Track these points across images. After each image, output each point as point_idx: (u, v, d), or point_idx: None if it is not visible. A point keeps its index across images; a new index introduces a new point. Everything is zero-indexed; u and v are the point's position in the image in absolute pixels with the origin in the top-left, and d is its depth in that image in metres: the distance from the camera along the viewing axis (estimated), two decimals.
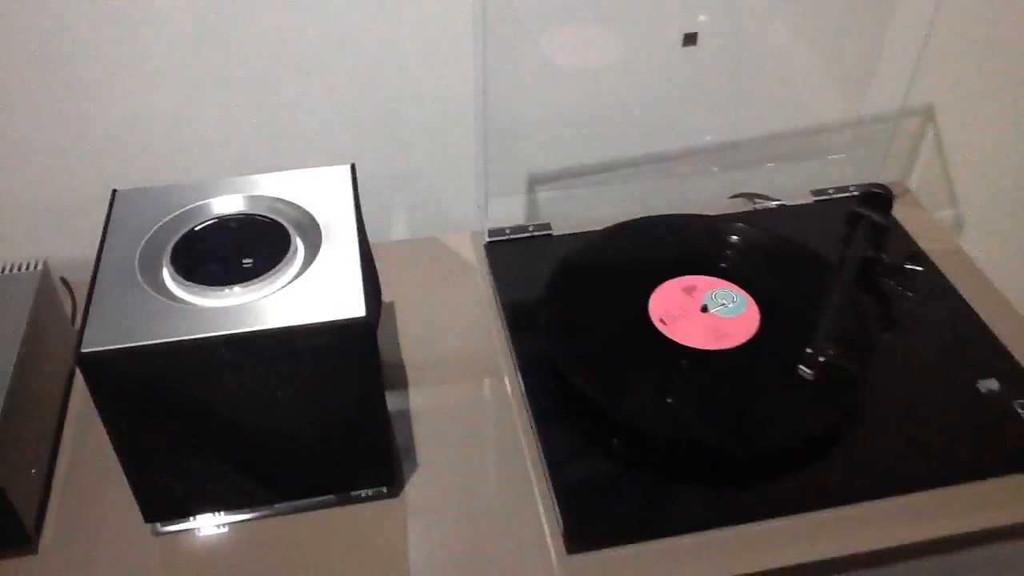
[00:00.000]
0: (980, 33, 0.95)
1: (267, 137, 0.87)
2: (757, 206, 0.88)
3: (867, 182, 0.85)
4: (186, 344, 0.54)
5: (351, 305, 0.56)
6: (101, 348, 0.53)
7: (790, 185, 0.91)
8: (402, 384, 0.74)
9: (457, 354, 0.77)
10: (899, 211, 0.88)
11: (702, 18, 0.80)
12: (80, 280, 0.82)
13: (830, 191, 0.89)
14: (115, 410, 0.56)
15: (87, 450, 0.69)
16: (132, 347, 0.53)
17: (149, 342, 0.53)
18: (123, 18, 0.77)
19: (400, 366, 0.76)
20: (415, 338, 0.78)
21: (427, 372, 0.75)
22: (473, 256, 0.86)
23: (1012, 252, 1.07)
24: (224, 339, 0.54)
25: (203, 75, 0.82)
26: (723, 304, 0.72)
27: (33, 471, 0.64)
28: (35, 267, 0.71)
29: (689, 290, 0.74)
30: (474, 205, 0.89)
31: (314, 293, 0.57)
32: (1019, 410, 0.67)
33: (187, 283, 0.57)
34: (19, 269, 0.71)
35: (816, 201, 0.89)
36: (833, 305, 0.69)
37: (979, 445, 0.66)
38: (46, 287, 0.71)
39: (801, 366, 0.66)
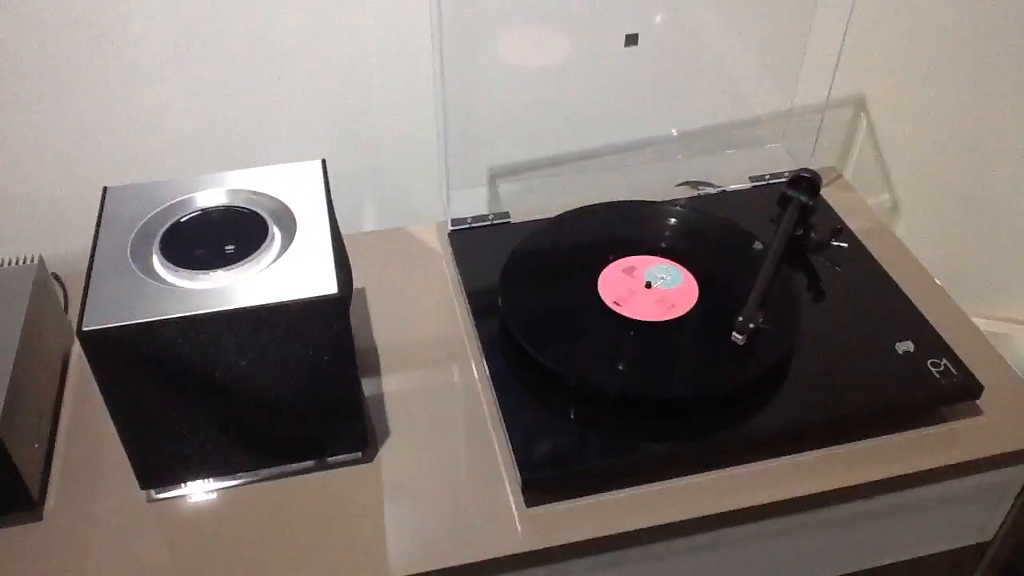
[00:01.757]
0: (906, 24, 1.02)
1: (243, 138, 0.92)
2: (700, 192, 0.96)
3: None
4: (175, 321, 0.60)
5: (324, 283, 0.62)
6: (100, 326, 0.59)
7: (731, 173, 0.98)
8: (374, 363, 0.80)
9: (425, 335, 0.83)
10: (830, 194, 0.95)
11: (658, 19, 0.87)
12: (69, 274, 0.88)
13: (766, 177, 0.96)
14: (113, 383, 0.61)
15: (83, 426, 0.75)
16: (127, 324, 0.59)
17: (142, 320, 0.59)
18: (108, 32, 0.83)
19: (372, 348, 0.81)
20: (386, 322, 0.84)
21: (397, 353, 0.81)
22: (438, 245, 0.92)
23: (943, 233, 1.14)
24: (209, 316, 0.60)
25: (183, 81, 0.87)
26: (663, 278, 0.79)
27: (36, 445, 0.70)
28: (31, 261, 0.76)
29: (630, 270, 0.80)
30: (438, 198, 0.96)
31: (290, 274, 0.63)
32: (931, 369, 0.74)
33: (175, 268, 0.63)
34: (17, 263, 0.76)
35: (753, 187, 0.96)
36: (762, 277, 0.77)
37: (895, 400, 0.72)
38: (42, 279, 0.76)
39: (734, 332, 0.73)
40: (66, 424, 0.75)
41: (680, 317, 0.76)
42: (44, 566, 0.65)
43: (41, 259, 0.77)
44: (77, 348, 0.80)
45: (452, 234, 0.90)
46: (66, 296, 0.86)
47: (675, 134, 0.99)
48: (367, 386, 0.77)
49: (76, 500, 0.69)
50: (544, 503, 0.68)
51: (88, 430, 0.74)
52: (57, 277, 0.87)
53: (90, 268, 0.63)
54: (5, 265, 0.76)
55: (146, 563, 0.65)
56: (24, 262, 0.77)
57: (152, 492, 0.69)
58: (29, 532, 0.67)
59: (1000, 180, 1.07)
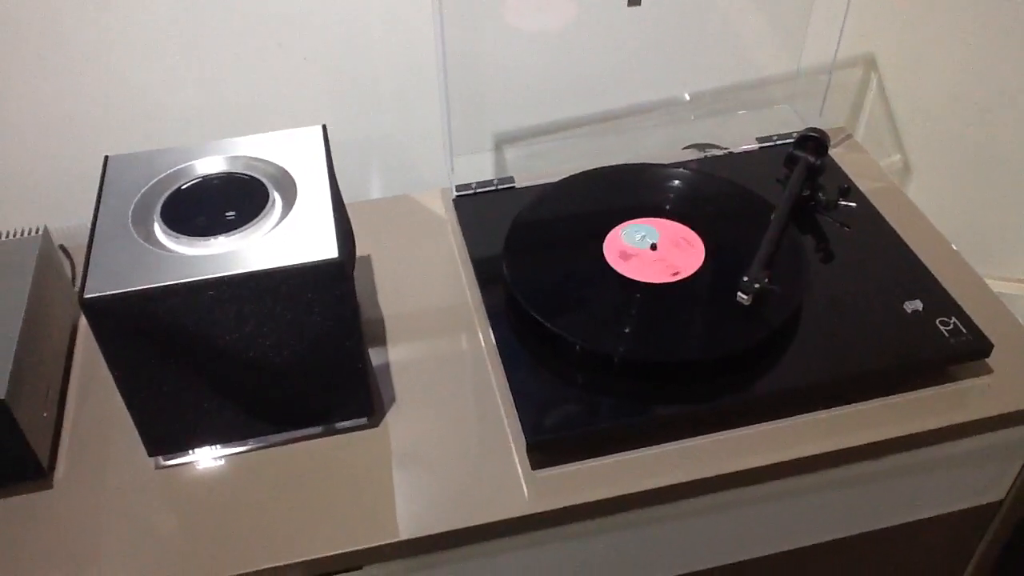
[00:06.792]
0: None
1: (246, 107, 0.92)
2: (707, 154, 0.94)
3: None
4: (177, 287, 0.60)
5: (325, 248, 0.62)
6: (102, 294, 0.59)
7: (738, 134, 0.96)
8: (380, 330, 0.80)
9: (430, 301, 0.82)
10: (840, 155, 0.94)
11: None
12: (77, 245, 0.88)
13: (774, 138, 0.95)
14: (117, 350, 0.62)
15: (92, 395, 0.75)
16: (129, 291, 0.59)
17: (144, 287, 0.59)
18: (110, 2, 0.82)
19: (378, 315, 0.81)
20: (391, 289, 0.84)
21: (403, 319, 0.81)
22: (443, 211, 0.92)
23: (956, 193, 1.13)
24: (211, 282, 0.60)
25: (185, 50, 0.87)
26: (641, 236, 0.79)
27: (45, 414, 0.70)
28: (36, 232, 0.76)
29: (613, 248, 0.80)
30: (443, 164, 0.95)
31: (291, 239, 0.63)
32: (940, 327, 0.73)
33: (176, 235, 0.63)
34: (22, 235, 0.77)
35: (760, 148, 0.94)
36: (768, 238, 0.76)
37: (904, 360, 0.72)
38: (47, 250, 0.77)
39: (739, 292, 0.72)
40: (75, 393, 0.76)
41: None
42: (55, 533, 0.66)
43: (46, 230, 0.77)
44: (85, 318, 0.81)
45: (457, 200, 0.89)
46: (73, 267, 0.87)
47: (681, 96, 0.98)
48: (373, 353, 0.78)
49: (86, 468, 0.70)
50: (550, 466, 0.68)
51: (97, 399, 0.75)
52: (64, 249, 0.87)
53: (92, 237, 0.63)
54: (13, 237, 0.77)
55: (155, 529, 0.66)
56: (29, 234, 0.77)
57: (160, 459, 0.70)
58: (40, 500, 0.68)
59: (1014, 140, 1.05)
